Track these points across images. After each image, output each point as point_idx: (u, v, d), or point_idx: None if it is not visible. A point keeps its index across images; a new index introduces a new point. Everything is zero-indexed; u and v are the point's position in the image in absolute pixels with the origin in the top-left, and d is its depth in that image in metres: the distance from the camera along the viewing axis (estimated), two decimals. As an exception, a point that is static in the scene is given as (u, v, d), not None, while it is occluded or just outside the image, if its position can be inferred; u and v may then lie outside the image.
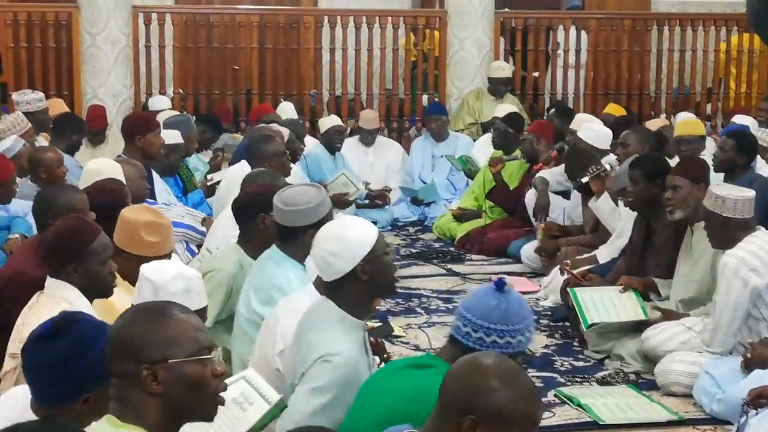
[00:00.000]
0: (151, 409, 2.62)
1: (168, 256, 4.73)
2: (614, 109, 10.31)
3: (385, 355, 5.01)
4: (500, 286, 3.39)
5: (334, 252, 3.82)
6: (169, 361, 2.61)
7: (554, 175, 8.36)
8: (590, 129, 8.29)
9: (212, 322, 4.87)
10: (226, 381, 2.78)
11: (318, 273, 4.01)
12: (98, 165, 6.13)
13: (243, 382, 3.72)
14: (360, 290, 3.84)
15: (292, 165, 7.45)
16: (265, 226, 5.13)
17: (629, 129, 8.08)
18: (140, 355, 2.60)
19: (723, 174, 7.25)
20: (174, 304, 2.81)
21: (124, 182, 5.77)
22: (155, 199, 6.99)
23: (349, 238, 3.83)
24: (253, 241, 5.20)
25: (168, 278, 3.79)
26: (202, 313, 3.78)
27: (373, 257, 3.83)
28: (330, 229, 3.94)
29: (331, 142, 9.98)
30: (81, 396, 2.84)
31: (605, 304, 6.16)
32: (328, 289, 3.89)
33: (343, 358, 3.68)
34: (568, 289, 6.42)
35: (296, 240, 4.67)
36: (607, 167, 7.40)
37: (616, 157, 7.74)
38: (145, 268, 3.88)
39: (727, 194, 5.51)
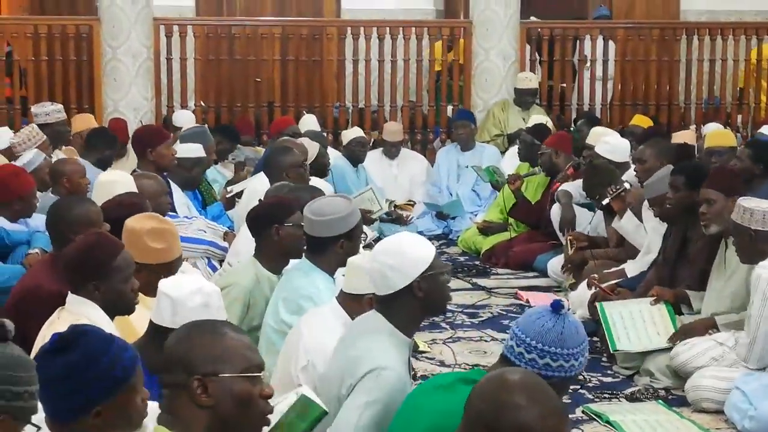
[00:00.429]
0: (199, 420, 2.76)
1: (177, 261, 4.69)
2: (641, 120, 10.19)
3: (411, 372, 4.95)
4: (557, 308, 3.32)
5: (392, 266, 3.80)
6: (220, 375, 2.76)
7: (577, 187, 8.25)
8: (605, 143, 8.15)
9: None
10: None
11: (373, 288, 3.96)
12: (109, 177, 6.15)
13: (293, 394, 3.69)
14: (414, 307, 3.84)
15: (319, 179, 7.39)
16: (279, 237, 5.16)
17: (644, 144, 7.92)
18: (192, 367, 2.76)
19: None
20: (227, 323, 2.97)
21: (136, 192, 5.74)
22: (176, 213, 6.93)
23: (408, 253, 3.82)
24: (267, 253, 5.22)
25: (186, 293, 3.74)
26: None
27: (429, 275, 3.82)
28: (389, 244, 3.93)
29: (354, 154, 9.89)
30: (92, 409, 2.78)
31: (634, 322, 6.07)
32: (380, 303, 3.87)
33: (393, 372, 3.69)
34: (596, 304, 6.33)
35: (326, 251, 4.78)
36: (627, 186, 7.29)
37: (635, 173, 7.62)
38: (164, 284, 3.83)
39: (755, 206, 5.45)
